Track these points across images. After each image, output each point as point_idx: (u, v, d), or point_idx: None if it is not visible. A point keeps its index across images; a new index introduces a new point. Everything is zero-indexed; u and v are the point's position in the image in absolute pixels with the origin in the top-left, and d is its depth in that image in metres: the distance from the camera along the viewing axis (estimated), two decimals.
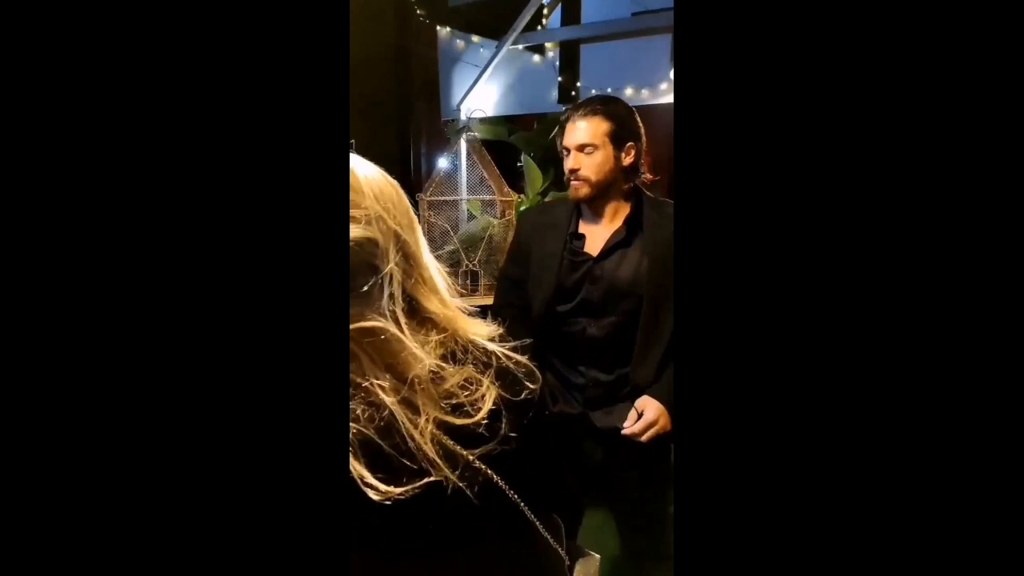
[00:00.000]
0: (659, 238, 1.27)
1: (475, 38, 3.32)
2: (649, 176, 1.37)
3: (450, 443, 0.57)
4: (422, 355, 0.57)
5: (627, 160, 1.30)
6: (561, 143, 1.34)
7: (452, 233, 2.81)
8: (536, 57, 3.27)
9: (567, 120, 1.31)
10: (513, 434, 0.60)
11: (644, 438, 1.22)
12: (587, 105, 1.30)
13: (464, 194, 2.89)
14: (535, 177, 2.97)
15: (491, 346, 0.64)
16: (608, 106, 1.29)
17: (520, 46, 3.18)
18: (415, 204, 2.91)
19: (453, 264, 2.77)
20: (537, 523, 0.64)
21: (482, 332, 0.65)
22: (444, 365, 0.59)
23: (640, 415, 1.22)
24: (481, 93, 3.26)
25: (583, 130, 1.28)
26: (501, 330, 0.66)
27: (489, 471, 0.59)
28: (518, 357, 0.65)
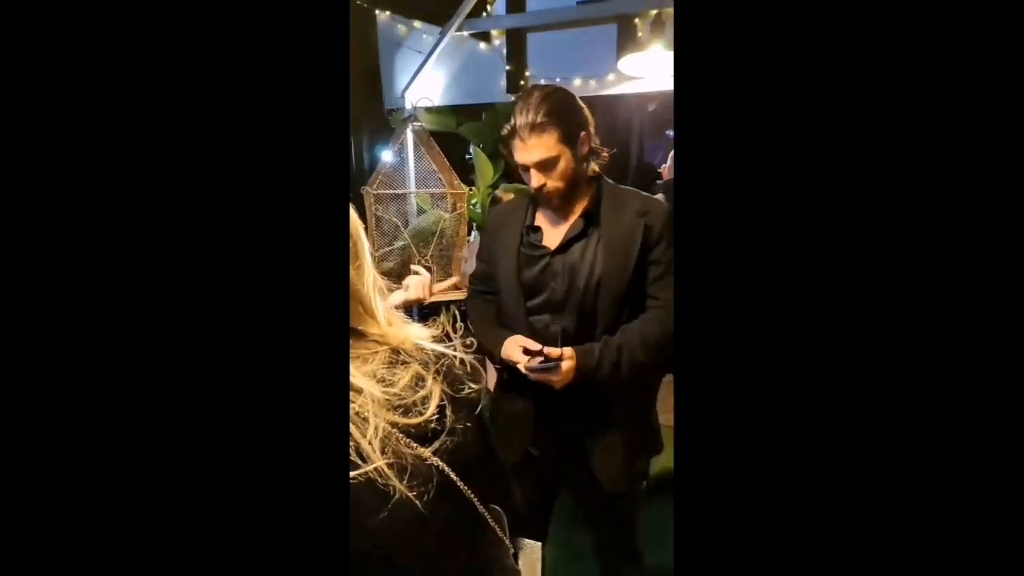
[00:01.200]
0: (615, 228, 1.23)
1: (417, 23, 3.19)
2: (606, 153, 1.30)
3: (404, 442, 0.59)
4: (370, 387, 0.59)
5: (583, 150, 1.24)
6: (514, 159, 1.26)
7: (402, 228, 2.71)
8: (482, 45, 3.18)
9: (512, 136, 1.22)
10: (460, 426, 0.63)
11: (534, 374, 1.20)
12: (529, 113, 1.19)
13: (413, 187, 2.79)
14: (485, 169, 2.90)
15: (435, 347, 0.67)
16: (550, 112, 1.18)
17: (465, 32, 3.09)
18: (360, 198, 2.79)
19: (404, 261, 2.67)
20: (486, 515, 0.67)
21: (423, 335, 0.68)
22: (394, 371, 0.62)
23: (559, 359, 1.18)
24: (426, 81, 3.15)
25: (537, 148, 1.20)
26: (437, 332, 0.69)
27: (443, 465, 0.61)
28: (461, 355, 0.68)
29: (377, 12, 3.18)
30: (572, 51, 2.95)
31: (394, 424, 0.59)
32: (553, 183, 1.23)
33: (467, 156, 3.01)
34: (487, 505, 0.68)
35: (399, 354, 0.64)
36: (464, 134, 3.10)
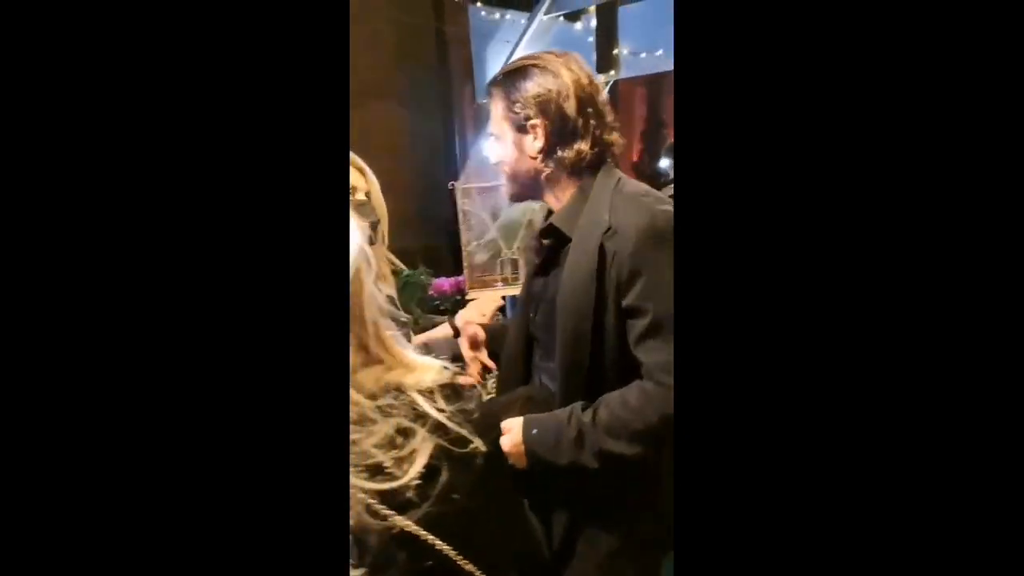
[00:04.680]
0: (577, 253, 0.85)
1: (508, 14, 3.15)
2: (569, 155, 0.88)
3: (377, 508, 0.49)
4: None
5: (535, 144, 0.88)
6: None
7: (490, 221, 2.70)
8: (573, 25, 3.06)
9: None
10: (456, 495, 0.51)
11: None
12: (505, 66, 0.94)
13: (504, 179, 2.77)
14: None
15: (419, 400, 0.53)
16: (504, 77, 0.91)
17: (555, 15, 2.98)
18: (451, 192, 2.83)
19: (493, 254, 2.66)
20: None
21: (427, 380, 0.55)
22: (360, 426, 0.51)
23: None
24: None
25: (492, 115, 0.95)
26: (446, 379, 0.56)
27: (430, 536, 0.50)
28: (450, 410, 0.53)
29: (470, 5, 3.19)
30: (664, 20, 2.73)
31: (359, 488, 0.49)
32: (503, 166, 0.95)
33: None
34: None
35: (383, 394, 0.52)
36: None
